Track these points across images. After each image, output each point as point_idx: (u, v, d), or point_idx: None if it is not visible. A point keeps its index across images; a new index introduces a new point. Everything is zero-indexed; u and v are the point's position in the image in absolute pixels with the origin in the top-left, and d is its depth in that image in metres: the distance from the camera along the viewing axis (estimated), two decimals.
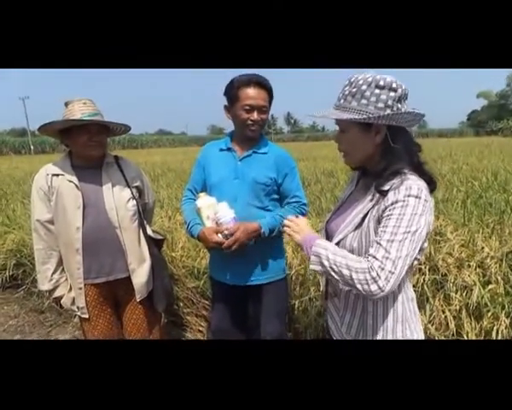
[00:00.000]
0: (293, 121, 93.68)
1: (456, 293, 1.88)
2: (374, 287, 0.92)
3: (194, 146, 39.65)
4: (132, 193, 1.74)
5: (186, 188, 1.79)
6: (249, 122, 1.57)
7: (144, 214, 1.84)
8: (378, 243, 0.95)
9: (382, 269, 0.91)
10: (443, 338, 1.72)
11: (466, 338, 1.68)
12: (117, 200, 1.66)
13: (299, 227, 1.15)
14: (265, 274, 1.67)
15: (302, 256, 2.27)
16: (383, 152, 1.04)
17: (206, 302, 2.43)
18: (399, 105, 0.99)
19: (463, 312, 1.78)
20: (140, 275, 1.73)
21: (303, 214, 1.65)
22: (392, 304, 1.08)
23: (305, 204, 1.69)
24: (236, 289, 1.68)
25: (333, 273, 0.99)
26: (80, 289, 1.67)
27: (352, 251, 1.05)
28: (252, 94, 1.55)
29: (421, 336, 1.16)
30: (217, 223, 1.56)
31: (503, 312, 1.71)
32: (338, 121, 1.07)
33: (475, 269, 2.02)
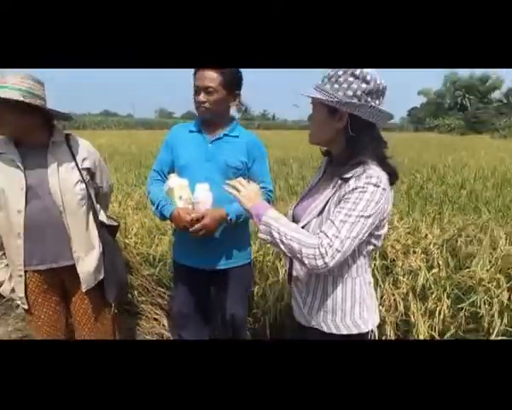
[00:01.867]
0: (243, 108, 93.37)
1: (403, 277, 2.00)
2: (320, 262, 0.95)
3: (141, 129, 38.08)
4: (82, 175, 1.61)
5: (152, 169, 1.73)
6: (196, 104, 1.56)
7: (97, 199, 1.73)
8: (331, 222, 0.98)
9: (330, 246, 0.95)
10: (392, 319, 1.83)
11: (413, 319, 1.79)
12: (63, 182, 1.54)
13: (250, 194, 1.13)
14: (232, 258, 1.66)
15: (260, 243, 2.28)
16: (348, 141, 1.07)
17: (162, 290, 2.36)
18: (369, 98, 1.02)
19: (410, 294, 1.90)
20: (87, 264, 1.62)
21: (268, 201, 1.65)
22: (350, 287, 1.13)
23: (271, 191, 1.70)
24: (201, 273, 1.66)
25: (281, 246, 1.01)
26: (20, 276, 1.54)
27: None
28: (198, 75, 1.53)
29: (377, 318, 1.23)
30: (193, 204, 1.52)
31: (445, 293, 1.85)
32: (312, 100, 1.10)
33: (420, 255, 2.16)
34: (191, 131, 1.65)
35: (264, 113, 79.90)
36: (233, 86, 1.58)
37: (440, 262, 2.09)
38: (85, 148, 1.68)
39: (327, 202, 1.08)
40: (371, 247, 1.10)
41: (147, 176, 5.10)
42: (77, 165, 1.60)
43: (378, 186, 0.99)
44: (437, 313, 1.77)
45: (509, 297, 1.79)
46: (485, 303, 1.74)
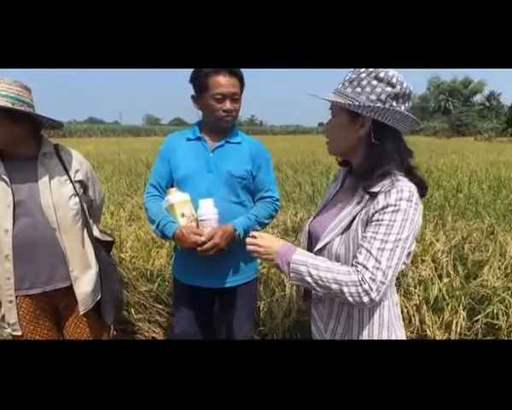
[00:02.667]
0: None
1: (415, 288, 1.92)
2: (365, 299, 0.89)
3: (128, 136, 37.72)
4: (75, 189, 1.49)
5: (149, 183, 1.59)
6: (222, 113, 1.44)
7: (89, 213, 1.60)
8: (368, 251, 0.90)
9: (373, 280, 0.88)
10: (408, 334, 1.74)
11: (429, 332, 1.71)
12: (56, 197, 1.41)
13: (265, 245, 1.01)
14: (238, 275, 1.55)
15: None
16: (370, 150, 0.98)
17: (160, 307, 2.24)
18: (394, 103, 0.93)
19: (424, 306, 1.82)
20: (84, 284, 1.50)
21: (275, 211, 1.55)
22: (378, 310, 1.04)
23: (277, 199, 1.60)
24: (205, 292, 1.55)
25: (318, 288, 0.94)
26: (11, 302, 1.40)
27: (338, 255, 0.99)
28: (223, 82, 1.41)
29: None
30: (197, 222, 1.41)
31: (461, 305, 1.77)
32: (331, 106, 1.02)
33: (429, 264, 2.09)
34: (189, 139, 1.53)
35: (252, 118, 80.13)
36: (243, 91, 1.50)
37: (450, 270, 2.02)
38: (77, 159, 1.56)
39: (352, 219, 0.98)
40: (403, 266, 1.01)
41: (140, 185, 5.02)
42: (69, 177, 1.49)
43: (411, 201, 0.90)
44: (453, 325, 1.69)
45: None
46: (503, 315, 1.67)
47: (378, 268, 0.88)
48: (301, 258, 0.95)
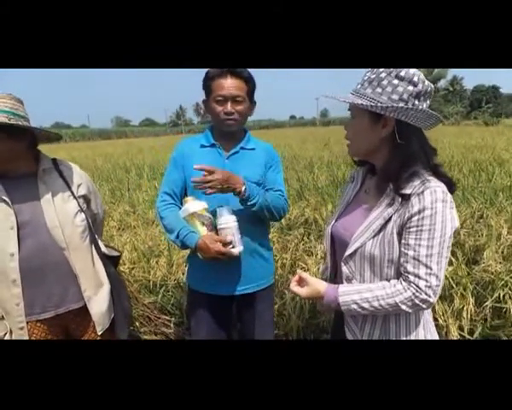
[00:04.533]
0: (202, 112, 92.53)
1: None
2: (425, 305, 0.92)
3: (98, 140, 36.68)
4: (79, 204, 1.42)
5: (162, 191, 1.53)
6: (223, 115, 1.41)
7: (94, 228, 1.53)
8: (416, 260, 0.91)
9: (429, 287, 0.90)
10: None
11: (441, 321, 1.75)
12: (61, 215, 1.34)
13: (308, 291, 1.04)
14: (256, 281, 1.52)
15: None
16: (395, 151, 0.97)
17: (166, 318, 2.17)
18: (416, 101, 0.93)
19: None
20: (98, 303, 1.43)
21: (284, 210, 1.52)
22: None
23: (286, 200, 1.56)
24: (223, 300, 1.51)
25: (378, 313, 0.98)
26: (22, 329, 1.32)
27: (372, 259, 0.98)
28: (225, 84, 1.39)
29: (436, 336, 1.14)
30: (217, 230, 1.37)
31: (469, 291, 1.81)
32: (350, 107, 1.01)
33: None
34: (203, 146, 1.50)
35: None
36: (253, 95, 1.48)
37: (453, 259, 2.07)
38: (77, 172, 1.49)
39: (385, 222, 0.97)
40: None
41: (123, 191, 4.86)
42: (72, 193, 1.41)
43: (445, 201, 0.90)
44: (464, 312, 1.73)
45: None
46: (510, 298, 1.73)
47: (431, 274, 0.89)
48: (347, 298, 0.98)
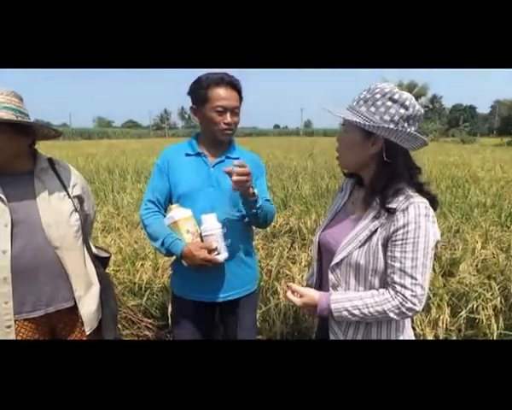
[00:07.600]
0: (187, 116, 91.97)
1: None
2: (411, 313, 0.99)
3: (78, 139, 35.93)
4: (74, 204, 1.43)
5: (146, 199, 1.54)
6: (223, 126, 1.44)
7: (84, 228, 1.54)
8: (402, 271, 0.97)
9: (415, 296, 0.97)
10: None
11: (418, 330, 1.83)
12: (56, 214, 1.35)
13: (304, 300, 1.10)
14: (240, 288, 1.55)
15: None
16: (383, 167, 1.04)
17: (149, 321, 2.18)
18: (406, 124, 0.99)
19: None
20: (88, 303, 1.44)
21: (272, 216, 1.56)
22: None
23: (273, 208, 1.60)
24: (207, 306, 1.54)
25: (367, 319, 1.04)
26: (9, 327, 1.31)
27: (358, 268, 1.05)
28: (224, 95, 1.42)
29: None
30: (201, 237, 1.39)
31: (444, 302, 1.91)
32: (344, 121, 1.07)
33: None
34: (188, 155, 1.52)
35: None
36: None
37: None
38: (73, 172, 1.50)
39: (371, 233, 1.03)
40: None
41: (107, 192, 4.80)
42: (67, 193, 1.42)
43: (428, 216, 0.97)
44: (440, 322, 1.82)
45: (501, 301, 1.89)
46: (483, 309, 1.83)
47: (416, 284, 0.96)
48: (339, 306, 1.04)
